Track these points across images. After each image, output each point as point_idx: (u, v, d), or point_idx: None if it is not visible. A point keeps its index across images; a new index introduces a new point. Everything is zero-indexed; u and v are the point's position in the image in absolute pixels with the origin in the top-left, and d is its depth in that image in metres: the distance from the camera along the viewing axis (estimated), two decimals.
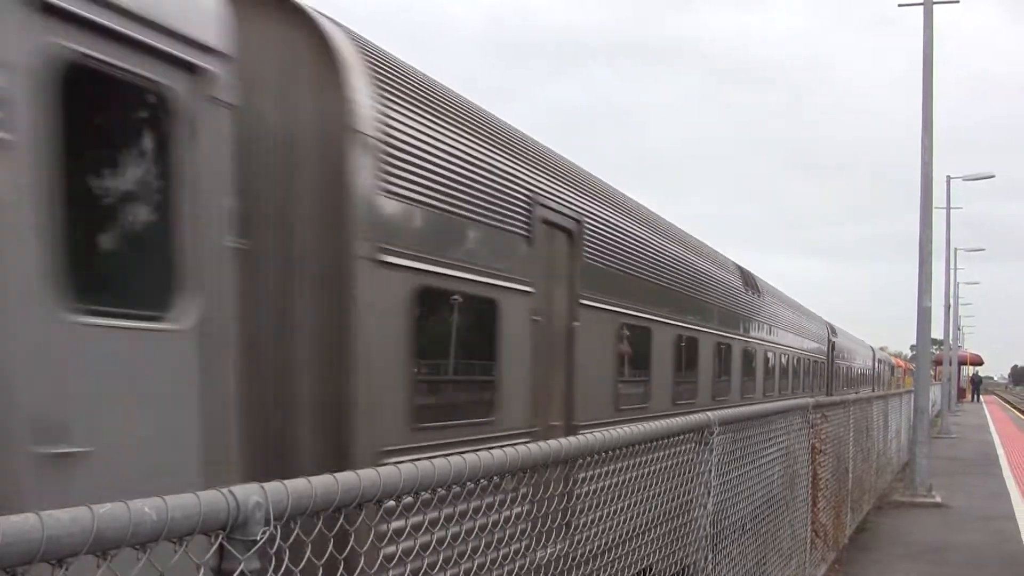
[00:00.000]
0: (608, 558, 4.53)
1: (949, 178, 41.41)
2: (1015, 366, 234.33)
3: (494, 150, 6.48)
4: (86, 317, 3.46)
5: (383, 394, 5.02)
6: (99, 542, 1.66)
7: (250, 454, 4.30)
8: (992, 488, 19.88)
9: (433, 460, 2.58)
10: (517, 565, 3.85)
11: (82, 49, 3.47)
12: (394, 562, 3.00)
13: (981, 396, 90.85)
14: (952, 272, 56.81)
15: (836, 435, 11.42)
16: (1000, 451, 29.52)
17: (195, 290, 3.94)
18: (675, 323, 10.47)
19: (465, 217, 5.94)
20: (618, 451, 3.99)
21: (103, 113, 3.85)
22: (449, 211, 5.73)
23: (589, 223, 7.97)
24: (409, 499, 2.53)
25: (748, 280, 15.40)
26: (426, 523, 3.05)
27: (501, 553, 3.74)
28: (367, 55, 5.20)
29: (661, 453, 4.88)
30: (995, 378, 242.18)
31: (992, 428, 42.24)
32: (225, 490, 1.94)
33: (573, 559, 4.34)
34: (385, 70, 5.34)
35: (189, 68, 3.91)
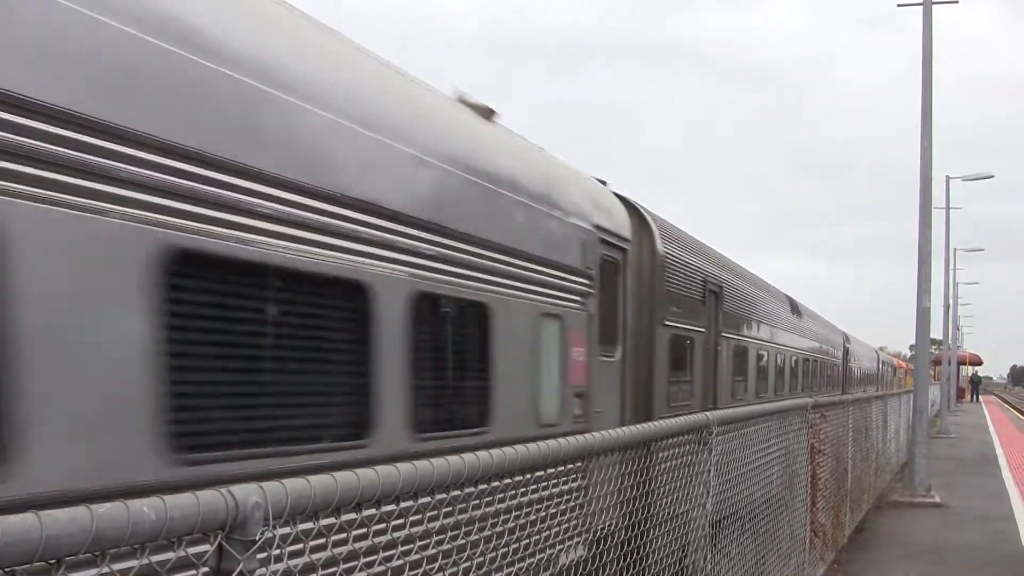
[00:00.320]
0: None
1: (948, 178, 41.44)
2: (1014, 366, 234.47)
3: (696, 256, 12.37)
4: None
5: (663, 385, 10.61)
6: (98, 542, 1.65)
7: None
8: (991, 488, 19.88)
9: (432, 460, 2.58)
10: (517, 566, 3.85)
11: (604, 251, 8.69)
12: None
13: (980, 396, 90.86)
14: (951, 272, 56.85)
15: (835, 435, 11.43)
16: (999, 451, 29.52)
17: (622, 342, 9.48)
18: (762, 342, 16.80)
19: (688, 295, 11.78)
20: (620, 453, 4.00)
21: (609, 274, 8.89)
22: (682, 293, 11.47)
23: (726, 288, 13.86)
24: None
25: (794, 306, 21.29)
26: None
27: (500, 553, 3.75)
28: (657, 220, 10.76)
29: (665, 454, 4.92)
30: (994, 378, 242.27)
31: (991, 428, 42.25)
32: (224, 490, 1.93)
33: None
34: (663, 226, 10.95)
35: (625, 245, 9.45)
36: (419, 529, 2.95)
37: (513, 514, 3.83)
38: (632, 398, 9.52)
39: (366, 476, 2.30)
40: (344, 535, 2.38)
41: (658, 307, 10.31)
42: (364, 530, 2.50)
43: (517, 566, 4.06)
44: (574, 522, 5.74)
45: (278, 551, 2.10)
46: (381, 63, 5.86)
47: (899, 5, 21.52)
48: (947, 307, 53.79)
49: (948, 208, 43.59)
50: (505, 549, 3.86)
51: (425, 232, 5.56)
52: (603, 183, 9.62)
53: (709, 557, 5.54)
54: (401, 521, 2.68)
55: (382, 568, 2.99)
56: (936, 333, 55.07)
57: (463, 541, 3.42)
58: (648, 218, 10.39)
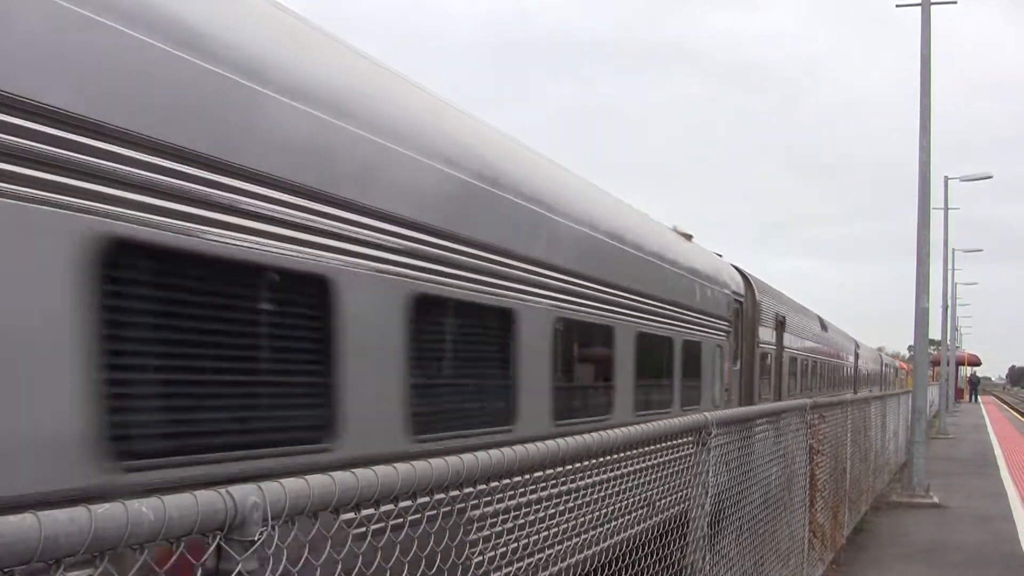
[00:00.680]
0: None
1: (947, 179, 41.37)
2: (1013, 366, 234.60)
3: (773, 300, 18.75)
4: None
5: (757, 383, 16.89)
6: (97, 542, 1.65)
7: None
8: (990, 489, 19.89)
9: (431, 460, 2.57)
10: (516, 565, 3.85)
11: (734, 305, 15.00)
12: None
13: (979, 397, 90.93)
14: (950, 273, 56.81)
15: (834, 436, 11.43)
16: (998, 452, 29.53)
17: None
18: (803, 353, 22.84)
19: (768, 327, 17.83)
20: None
21: (735, 318, 15.09)
22: (766, 326, 17.48)
23: (787, 318, 20.13)
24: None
25: (822, 323, 27.67)
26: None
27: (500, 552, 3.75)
28: (755, 280, 16.99)
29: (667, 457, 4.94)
30: (993, 379, 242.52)
31: (990, 429, 42.28)
32: (223, 490, 1.93)
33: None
34: (758, 283, 17.16)
35: (741, 299, 15.60)
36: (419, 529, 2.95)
37: (521, 512, 3.83)
38: (746, 389, 15.93)
39: (364, 476, 2.29)
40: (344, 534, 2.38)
41: (756, 337, 16.70)
42: (363, 529, 2.50)
43: (515, 566, 4.06)
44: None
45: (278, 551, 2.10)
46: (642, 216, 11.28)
47: (898, 6, 21.50)
48: (946, 308, 53.78)
49: (947, 208, 43.57)
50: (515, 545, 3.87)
51: (651, 302, 10.37)
52: (719, 256, 15.70)
53: (708, 558, 5.54)
54: (400, 521, 2.67)
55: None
56: (935, 334, 55.17)
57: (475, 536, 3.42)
58: (751, 279, 16.72)
